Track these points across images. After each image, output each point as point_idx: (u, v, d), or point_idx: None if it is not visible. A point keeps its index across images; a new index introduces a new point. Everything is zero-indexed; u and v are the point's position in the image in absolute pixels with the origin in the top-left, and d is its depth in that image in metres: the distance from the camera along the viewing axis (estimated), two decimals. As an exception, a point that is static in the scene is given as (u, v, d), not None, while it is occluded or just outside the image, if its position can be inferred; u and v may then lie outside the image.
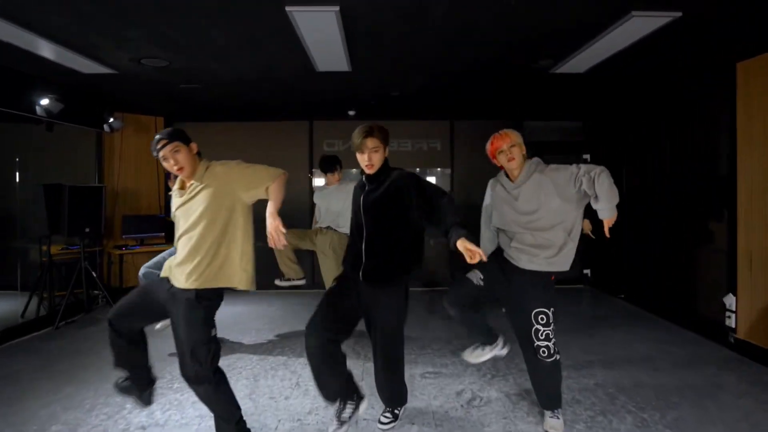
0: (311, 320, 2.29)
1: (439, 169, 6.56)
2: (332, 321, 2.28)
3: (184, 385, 3.17)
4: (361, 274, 2.34)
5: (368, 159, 2.27)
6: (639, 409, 2.85)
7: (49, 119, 4.42)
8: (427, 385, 3.19)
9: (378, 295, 2.34)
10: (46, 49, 3.43)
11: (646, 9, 2.70)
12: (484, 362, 3.61)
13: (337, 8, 2.64)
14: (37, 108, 4.24)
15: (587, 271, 6.54)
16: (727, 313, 3.92)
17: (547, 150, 6.57)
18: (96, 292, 5.44)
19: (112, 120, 5.29)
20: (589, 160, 6.51)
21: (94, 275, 5.08)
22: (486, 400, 2.97)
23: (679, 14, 2.74)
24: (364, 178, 2.40)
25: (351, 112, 5.96)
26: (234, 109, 5.90)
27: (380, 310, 2.36)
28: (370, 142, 2.26)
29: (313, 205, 6.31)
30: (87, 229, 4.98)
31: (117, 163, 6.02)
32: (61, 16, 2.86)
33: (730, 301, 3.90)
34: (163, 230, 6.04)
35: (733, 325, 3.86)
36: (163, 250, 4.91)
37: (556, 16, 2.87)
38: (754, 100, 3.67)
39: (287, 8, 2.65)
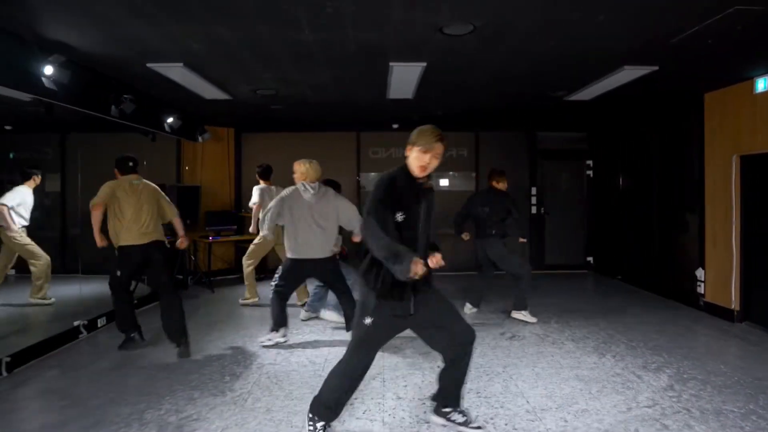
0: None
1: (462, 173, 7.77)
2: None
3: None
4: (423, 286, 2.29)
5: (428, 161, 2.19)
6: (629, 340, 4.09)
7: (170, 134, 5.62)
8: (478, 331, 4.38)
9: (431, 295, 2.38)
10: (187, 81, 4.55)
11: (634, 64, 3.94)
12: (510, 316, 4.81)
13: (425, 64, 3.88)
14: (165, 125, 5.44)
15: (590, 259, 7.77)
16: (698, 283, 5.15)
17: (555, 156, 7.82)
18: (187, 275, 6.60)
19: (205, 133, 6.49)
20: (591, 165, 7.75)
21: (193, 259, 6.28)
22: (522, 337, 4.19)
23: (656, 68, 3.97)
24: (413, 180, 2.24)
25: (395, 125, 7.17)
26: (296, 121, 7.07)
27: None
28: (440, 148, 2.20)
29: (358, 205, 7.53)
30: (188, 221, 6.17)
31: (200, 167, 7.22)
32: (227, 66, 4.05)
33: (700, 273, 5.13)
34: (236, 223, 7.23)
35: (702, 292, 5.09)
36: (235, 241, 6.03)
37: (573, 68, 4.10)
38: (717, 122, 4.91)
39: (390, 63, 3.88)
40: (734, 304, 4.67)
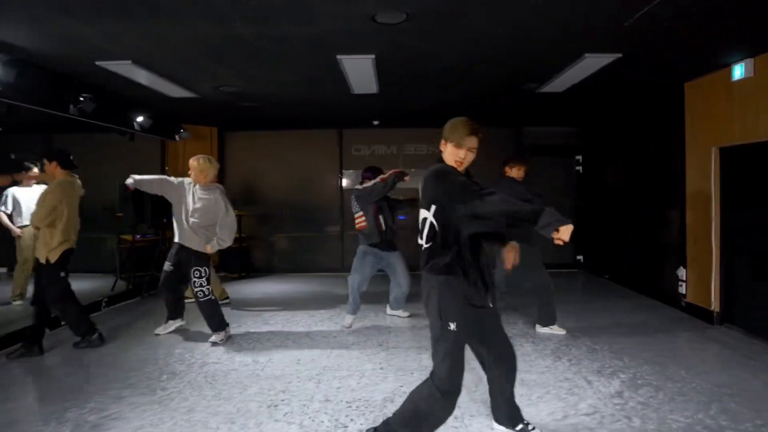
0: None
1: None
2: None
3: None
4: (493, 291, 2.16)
5: (464, 157, 2.10)
6: (593, 343, 3.89)
7: (142, 132, 5.63)
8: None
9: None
10: (150, 81, 4.55)
11: (595, 52, 3.73)
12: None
13: (373, 56, 3.76)
14: (135, 124, 5.45)
15: (580, 257, 7.51)
16: (679, 283, 4.89)
17: (543, 152, 7.59)
18: (158, 273, 6.57)
19: (182, 131, 6.49)
20: (581, 160, 7.50)
21: (169, 257, 6.28)
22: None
23: (619, 55, 3.76)
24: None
25: (375, 122, 7.06)
26: (276, 119, 7.01)
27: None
28: (475, 142, 2.09)
29: (344, 203, 7.45)
30: (165, 220, 6.17)
31: (181, 166, 7.23)
32: (177, 62, 4.01)
33: (681, 272, 4.87)
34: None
35: (684, 292, 4.83)
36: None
37: (532, 58, 3.92)
38: (696, 112, 4.64)
39: (338, 56, 3.77)
40: (714, 305, 4.40)
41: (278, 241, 7.80)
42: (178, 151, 7.22)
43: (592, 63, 3.95)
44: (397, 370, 3.35)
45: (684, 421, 2.60)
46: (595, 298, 5.61)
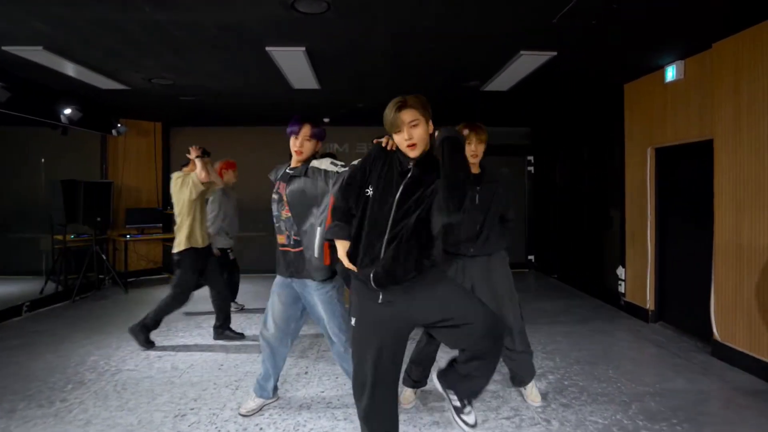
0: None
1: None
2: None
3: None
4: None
5: (408, 136, 1.79)
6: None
7: (70, 125, 5.29)
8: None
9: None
10: (74, 71, 4.29)
11: (530, 49, 3.70)
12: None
13: (304, 48, 3.60)
14: (61, 116, 5.11)
15: (532, 257, 7.56)
16: (619, 282, 4.95)
17: (495, 152, 7.55)
18: (101, 276, 6.22)
19: (119, 126, 6.16)
20: (533, 161, 7.55)
21: (104, 258, 5.95)
22: (418, 341, 3.94)
23: (554, 53, 3.74)
24: (410, 164, 1.84)
25: (326, 119, 6.89)
26: (227, 115, 6.77)
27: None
28: (408, 115, 1.79)
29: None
30: (99, 219, 5.84)
31: (121, 163, 6.88)
32: (94, 50, 3.75)
33: (620, 272, 4.92)
34: (161, 221, 6.90)
35: (623, 291, 4.89)
36: (161, 239, 5.80)
37: (470, 55, 3.86)
38: (634, 113, 4.70)
39: (267, 48, 3.60)
40: (649, 303, 4.47)
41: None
42: (118, 147, 6.86)
43: (529, 61, 3.93)
44: (322, 375, 3.21)
45: (602, 422, 2.57)
46: (541, 298, 5.62)
